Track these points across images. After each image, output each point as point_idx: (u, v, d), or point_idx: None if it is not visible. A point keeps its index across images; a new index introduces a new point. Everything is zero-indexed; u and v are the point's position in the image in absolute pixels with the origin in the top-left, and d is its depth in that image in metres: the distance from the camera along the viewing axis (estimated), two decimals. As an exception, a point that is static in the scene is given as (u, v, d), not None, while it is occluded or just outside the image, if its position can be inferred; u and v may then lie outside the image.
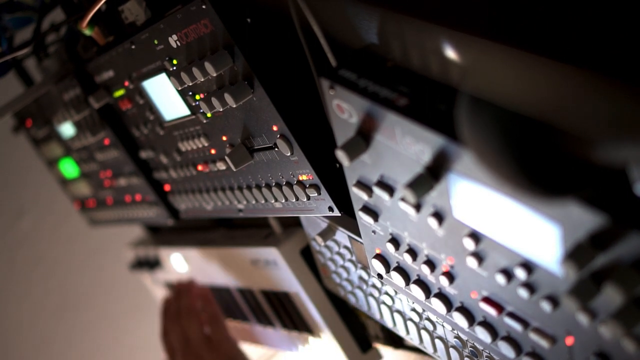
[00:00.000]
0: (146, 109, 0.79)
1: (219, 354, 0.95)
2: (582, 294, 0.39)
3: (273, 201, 0.69)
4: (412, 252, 0.54)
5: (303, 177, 0.63)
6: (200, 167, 0.77)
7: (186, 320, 0.98)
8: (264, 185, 0.68)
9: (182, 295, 1.01)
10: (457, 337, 0.62)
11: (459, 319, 0.54)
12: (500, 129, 0.38)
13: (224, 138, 0.69)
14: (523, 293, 0.45)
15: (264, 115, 0.61)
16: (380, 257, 0.59)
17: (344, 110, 0.50)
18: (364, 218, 0.57)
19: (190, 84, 0.66)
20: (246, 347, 1.02)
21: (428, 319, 0.65)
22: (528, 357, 0.50)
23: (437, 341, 0.65)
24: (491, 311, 0.50)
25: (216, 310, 0.99)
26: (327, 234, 0.72)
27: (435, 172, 0.46)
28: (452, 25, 0.39)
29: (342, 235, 0.71)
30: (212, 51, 0.61)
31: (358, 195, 0.55)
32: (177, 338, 0.98)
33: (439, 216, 0.48)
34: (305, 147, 0.60)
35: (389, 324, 0.73)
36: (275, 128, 0.61)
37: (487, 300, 0.50)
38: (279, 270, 0.82)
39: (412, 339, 0.69)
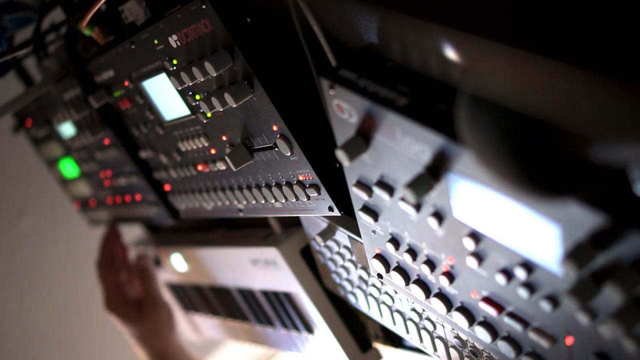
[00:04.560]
0: (146, 109, 0.79)
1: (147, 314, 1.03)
2: (582, 294, 0.39)
3: (273, 201, 0.69)
4: (412, 252, 0.54)
5: (303, 177, 0.63)
6: (200, 167, 0.77)
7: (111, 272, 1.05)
8: (263, 185, 0.68)
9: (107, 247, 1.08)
10: (457, 337, 0.62)
11: (459, 319, 0.54)
12: (500, 129, 0.38)
13: (224, 138, 0.69)
14: (523, 293, 0.45)
15: (264, 115, 0.61)
16: (380, 257, 0.59)
17: (344, 110, 0.50)
18: (363, 218, 0.57)
19: (190, 84, 0.66)
20: (246, 347, 1.03)
21: (428, 318, 0.65)
22: (528, 357, 0.50)
23: (437, 341, 0.65)
24: (491, 311, 0.50)
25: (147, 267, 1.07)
26: (327, 233, 0.72)
27: (435, 172, 0.46)
28: (452, 24, 0.39)
29: (342, 235, 0.71)
30: (212, 51, 0.61)
31: (358, 195, 0.55)
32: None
33: (438, 216, 0.48)
34: (305, 147, 0.60)
35: (389, 324, 0.73)
36: (275, 128, 0.61)
37: (487, 300, 0.50)
38: (279, 270, 0.82)
39: (412, 339, 0.69)
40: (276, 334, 0.95)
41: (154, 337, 1.03)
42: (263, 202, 0.70)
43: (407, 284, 0.58)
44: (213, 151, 0.73)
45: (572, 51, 0.35)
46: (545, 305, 0.44)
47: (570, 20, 0.35)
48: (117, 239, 1.08)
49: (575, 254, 0.39)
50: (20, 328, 1.56)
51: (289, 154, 0.62)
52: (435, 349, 0.67)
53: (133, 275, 1.09)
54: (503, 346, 0.51)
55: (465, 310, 0.53)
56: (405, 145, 0.47)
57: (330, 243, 0.74)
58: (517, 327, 0.49)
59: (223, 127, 0.68)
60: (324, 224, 0.72)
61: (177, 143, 0.78)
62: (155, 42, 0.68)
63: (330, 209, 0.63)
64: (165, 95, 0.73)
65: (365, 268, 0.72)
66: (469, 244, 0.47)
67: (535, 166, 0.37)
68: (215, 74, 0.60)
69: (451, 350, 0.64)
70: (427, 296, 0.56)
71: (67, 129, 0.99)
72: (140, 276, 1.06)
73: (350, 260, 0.73)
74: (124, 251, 1.09)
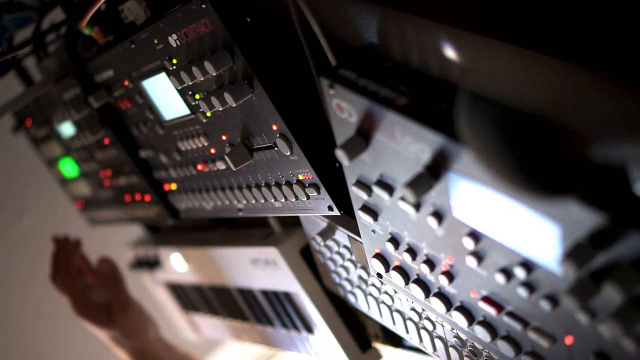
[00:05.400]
0: (146, 109, 0.79)
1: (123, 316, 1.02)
2: (582, 293, 0.39)
3: (273, 200, 0.69)
4: (412, 252, 0.54)
5: (303, 177, 0.63)
6: (200, 167, 0.77)
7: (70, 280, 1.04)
8: (263, 184, 0.68)
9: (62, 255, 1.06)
10: (457, 336, 0.62)
11: (459, 318, 0.54)
12: (500, 128, 0.38)
13: (224, 137, 0.69)
14: (522, 292, 0.45)
15: (264, 114, 0.61)
16: (380, 257, 0.59)
17: (344, 110, 0.50)
18: (363, 217, 0.57)
19: (190, 84, 0.66)
20: (246, 347, 1.03)
21: (428, 318, 0.65)
22: (527, 356, 0.50)
23: (436, 341, 0.65)
24: (491, 310, 0.50)
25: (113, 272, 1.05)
26: (326, 233, 0.72)
27: (434, 171, 0.46)
28: (451, 23, 0.39)
29: (341, 235, 0.71)
30: (212, 50, 0.61)
31: (357, 195, 0.55)
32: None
33: (438, 215, 0.48)
34: (304, 147, 0.60)
35: (388, 323, 0.73)
36: (274, 127, 0.61)
37: (487, 299, 0.50)
38: (279, 270, 0.82)
39: (412, 338, 0.69)
40: (276, 333, 0.95)
41: (129, 338, 1.02)
42: (263, 201, 0.70)
43: (406, 283, 0.58)
44: (213, 151, 0.73)
45: (572, 49, 0.35)
46: (545, 305, 0.44)
47: (570, 18, 0.35)
48: (75, 248, 1.06)
49: (575, 254, 0.38)
50: (20, 328, 1.56)
51: (288, 153, 0.62)
52: (434, 349, 0.67)
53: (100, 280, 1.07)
54: (502, 345, 0.51)
55: (464, 310, 0.53)
56: (405, 145, 0.47)
57: (330, 242, 0.74)
58: (516, 326, 0.49)
59: (223, 127, 0.68)
60: (323, 224, 0.72)
61: (177, 142, 0.78)
62: (155, 41, 0.68)
63: (330, 208, 0.63)
64: (165, 95, 0.73)
65: (364, 267, 0.71)
66: (469, 244, 0.47)
67: (535, 165, 0.37)
68: (215, 74, 0.60)
69: (451, 349, 0.64)
70: (427, 296, 0.56)
71: (67, 129, 0.99)
72: (104, 280, 1.04)
73: (350, 260, 0.73)
74: (85, 259, 1.07)
